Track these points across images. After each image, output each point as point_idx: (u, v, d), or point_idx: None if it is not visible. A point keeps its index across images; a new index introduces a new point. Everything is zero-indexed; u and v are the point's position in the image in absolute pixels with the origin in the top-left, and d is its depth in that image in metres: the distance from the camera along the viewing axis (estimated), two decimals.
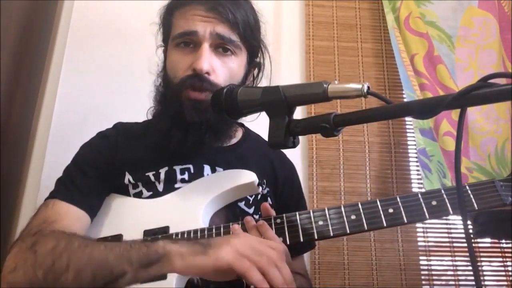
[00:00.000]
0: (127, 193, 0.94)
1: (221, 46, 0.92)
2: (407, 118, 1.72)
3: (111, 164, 0.95)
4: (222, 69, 0.92)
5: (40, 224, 0.82)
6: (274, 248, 0.71)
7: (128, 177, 0.94)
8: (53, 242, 0.73)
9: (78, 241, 0.73)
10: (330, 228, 0.81)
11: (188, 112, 0.89)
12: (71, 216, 0.86)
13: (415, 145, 1.66)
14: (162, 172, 0.94)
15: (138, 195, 0.93)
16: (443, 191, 0.81)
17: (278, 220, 0.83)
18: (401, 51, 1.77)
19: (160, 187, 0.93)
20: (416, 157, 1.64)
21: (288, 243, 0.80)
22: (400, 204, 0.81)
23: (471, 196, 0.80)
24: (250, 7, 0.98)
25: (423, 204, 0.80)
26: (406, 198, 0.81)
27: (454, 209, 0.78)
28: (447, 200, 0.80)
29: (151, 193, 0.93)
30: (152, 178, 0.94)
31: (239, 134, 1.07)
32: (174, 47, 0.95)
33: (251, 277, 0.66)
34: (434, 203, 0.80)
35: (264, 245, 0.71)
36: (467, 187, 0.81)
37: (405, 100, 1.70)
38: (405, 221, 0.79)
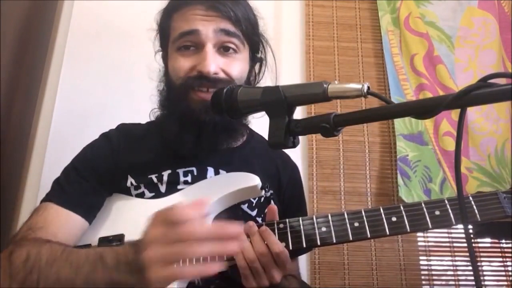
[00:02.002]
0: (128, 195, 0.94)
1: (223, 46, 0.91)
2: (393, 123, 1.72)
3: (113, 168, 0.94)
4: (229, 68, 0.91)
5: (26, 230, 0.82)
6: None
7: (130, 180, 0.94)
8: (25, 254, 0.73)
9: (46, 255, 0.72)
10: (333, 235, 0.80)
11: (200, 111, 0.88)
12: (60, 222, 0.85)
13: None
14: (165, 174, 0.94)
15: (140, 195, 0.93)
16: (446, 201, 0.81)
17: (281, 225, 0.82)
18: (394, 55, 1.77)
19: (163, 188, 0.93)
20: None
21: (291, 248, 0.80)
22: (403, 213, 0.81)
23: (474, 207, 0.80)
24: (247, 4, 0.98)
25: (426, 214, 0.80)
26: (409, 207, 0.81)
27: (457, 219, 0.79)
28: (450, 211, 0.80)
29: (153, 193, 0.92)
30: (155, 180, 0.93)
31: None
32: (175, 50, 0.94)
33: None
34: (437, 213, 0.80)
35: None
36: (471, 199, 0.81)
37: None
38: (408, 230, 0.79)
